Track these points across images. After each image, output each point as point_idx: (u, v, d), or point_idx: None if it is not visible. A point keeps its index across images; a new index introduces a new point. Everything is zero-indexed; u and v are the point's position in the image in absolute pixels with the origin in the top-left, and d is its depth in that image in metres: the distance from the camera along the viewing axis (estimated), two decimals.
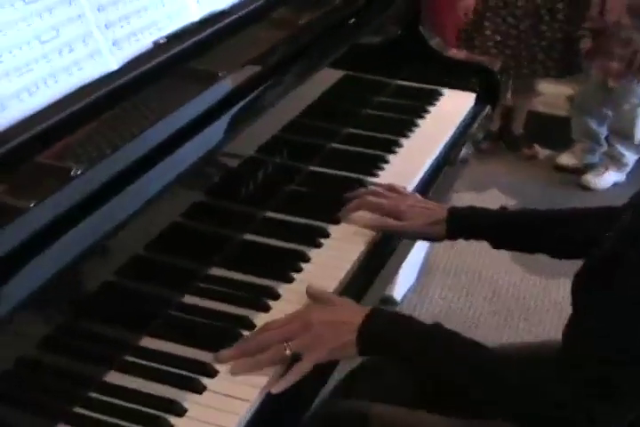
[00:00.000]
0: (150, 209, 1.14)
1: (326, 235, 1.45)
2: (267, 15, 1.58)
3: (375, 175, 1.67)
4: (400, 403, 1.35)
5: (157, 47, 1.33)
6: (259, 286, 1.31)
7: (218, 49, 1.42)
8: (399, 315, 1.20)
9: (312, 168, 1.66)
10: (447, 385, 1.16)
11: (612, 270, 1.05)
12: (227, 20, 1.47)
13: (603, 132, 3.60)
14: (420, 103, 1.95)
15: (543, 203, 3.34)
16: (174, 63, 1.33)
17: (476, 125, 1.96)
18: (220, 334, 1.19)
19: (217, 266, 1.33)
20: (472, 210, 1.45)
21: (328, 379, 1.23)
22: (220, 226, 1.37)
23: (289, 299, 1.28)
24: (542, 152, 3.81)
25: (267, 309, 1.25)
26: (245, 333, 1.20)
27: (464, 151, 1.90)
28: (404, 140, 1.80)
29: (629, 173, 3.61)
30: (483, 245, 1.46)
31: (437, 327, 1.17)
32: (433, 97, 1.99)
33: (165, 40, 1.34)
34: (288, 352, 1.14)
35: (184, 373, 1.13)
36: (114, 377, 1.11)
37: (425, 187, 1.69)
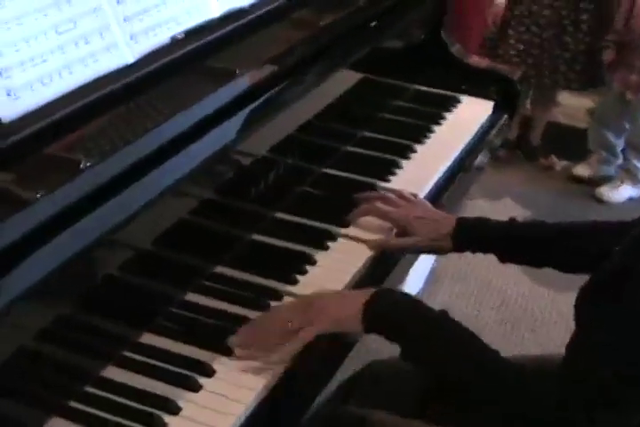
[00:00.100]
0: (158, 205, 1.14)
1: (334, 238, 1.44)
2: (287, 15, 1.57)
3: (387, 180, 1.66)
4: (398, 411, 1.34)
5: (175, 42, 1.32)
6: (262, 286, 1.30)
7: (236, 47, 1.41)
8: (408, 296, 1.19)
9: (324, 170, 1.65)
10: (443, 377, 1.13)
11: (621, 284, 1.03)
12: (246, 18, 1.46)
13: (619, 144, 3.58)
14: (437, 109, 1.94)
15: (557, 213, 3.32)
16: (191, 59, 1.32)
17: (492, 134, 1.94)
18: (221, 334, 1.19)
19: (221, 264, 1.33)
20: (480, 222, 1.43)
21: (326, 383, 1.23)
22: (227, 224, 1.36)
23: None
24: (559, 163, 3.79)
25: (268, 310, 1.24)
26: None
27: (480, 159, 1.89)
28: (418, 146, 1.79)
29: None
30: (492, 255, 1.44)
31: (445, 315, 1.15)
32: (450, 104, 1.98)
33: (183, 36, 1.33)
34: (290, 327, 1.15)
35: (181, 371, 1.12)
36: (110, 372, 1.11)
37: (437, 194, 1.67)
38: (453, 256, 2.85)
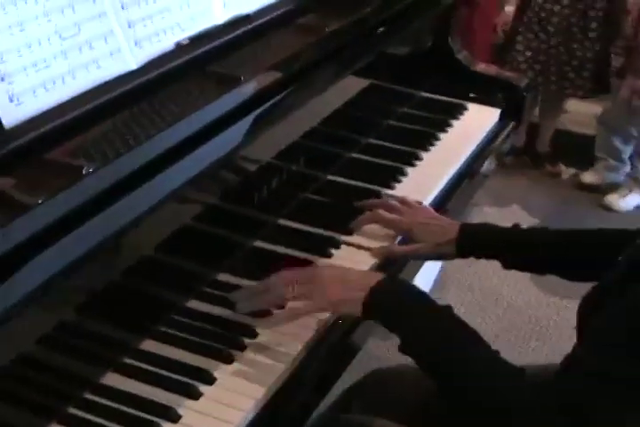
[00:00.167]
0: (161, 211, 1.13)
1: (337, 245, 1.44)
2: (293, 21, 1.57)
3: (392, 187, 1.65)
4: (401, 419, 1.33)
5: (179, 48, 1.32)
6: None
7: (241, 53, 1.41)
8: (414, 287, 1.18)
9: (328, 177, 1.65)
10: (439, 373, 1.11)
11: (622, 294, 1.02)
12: (251, 25, 1.46)
13: (627, 150, 3.57)
14: (444, 117, 1.94)
15: (564, 221, 3.31)
16: (195, 65, 1.32)
17: (498, 141, 1.94)
18: (222, 341, 1.18)
19: (224, 271, 1.32)
20: (483, 228, 1.43)
21: (328, 391, 1.22)
22: (230, 231, 1.36)
23: (295, 307, 1.26)
24: (566, 171, 3.78)
25: None
26: (247, 341, 1.19)
27: (486, 166, 1.88)
28: (424, 154, 1.78)
29: None
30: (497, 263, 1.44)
31: (449, 310, 1.13)
32: (457, 111, 1.97)
33: (188, 41, 1.33)
34: (291, 292, 1.15)
35: (182, 378, 1.12)
36: (110, 379, 1.11)
37: (442, 201, 1.67)
38: (459, 265, 2.89)
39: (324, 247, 1.42)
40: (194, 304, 1.26)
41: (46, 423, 1.03)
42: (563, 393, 1.01)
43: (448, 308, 1.14)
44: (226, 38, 1.39)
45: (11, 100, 1.05)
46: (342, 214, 1.51)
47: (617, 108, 3.46)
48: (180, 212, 1.21)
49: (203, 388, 1.10)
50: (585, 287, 1.21)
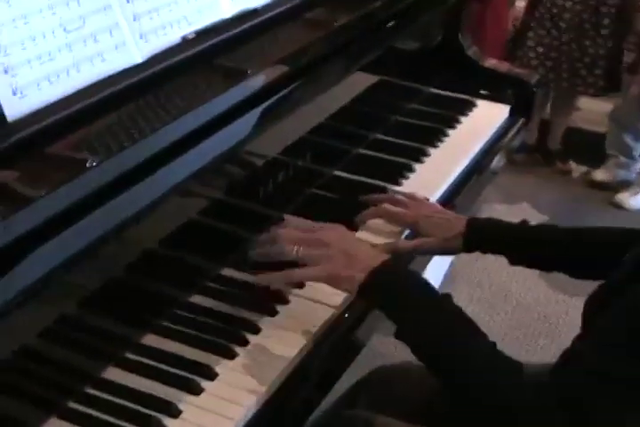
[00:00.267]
0: (165, 205, 1.13)
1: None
2: (300, 15, 1.56)
3: (399, 184, 1.64)
4: (405, 416, 1.32)
5: (186, 42, 1.31)
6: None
7: (248, 47, 1.40)
8: (415, 275, 1.17)
9: (335, 173, 1.64)
10: (433, 360, 1.10)
11: (626, 293, 1.02)
12: (259, 19, 1.45)
13: (637, 148, 3.55)
14: (452, 113, 1.92)
15: (574, 219, 3.29)
16: (202, 59, 1.31)
17: (508, 138, 1.92)
18: (224, 337, 1.18)
19: (228, 266, 1.32)
20: (491, 223, 1.41)
21: (331, 388, 1.22)
22: (234, 225, 1.35)
23: (298, 303, 1.26)
24: (577, 169, 3.76)
25: (273, 313, 1.24)
26: (250, 336, 1.18)
27: (495, 163, 1.87)
28: (432, 150, 1.77)
29: None
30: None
31: (448, 298, 1.12)
32: (466, 107, 1.96)
33: (194, 35, 1.32)
34: (294, 254, 1.16)
35: (183, 373, 1.11)
36: (111, 374, 1.10)
37: (450, 198, 1.66)
38: (468, 260, 2.87)
39: None
40: (197, 299, 1.25)
41: (46, 417, 1.02)
42: (562, 389, 1.00)
43: (447, 296, 1.13)
44: (233, 32, 1.38)
45: (14, 93, 1.04)
46: (348, 211, 1.50)
47: (628, 105, 3.44)
48: (183, 206, 1.21)
49: (204, 383, 1.10)
50: (594, 285, 1.20)
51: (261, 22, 1.45)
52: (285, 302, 1.26)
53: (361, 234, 1.45)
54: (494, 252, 1.40)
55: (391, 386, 1.46)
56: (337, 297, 1.26)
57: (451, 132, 1.86)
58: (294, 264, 1.19)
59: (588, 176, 3.69)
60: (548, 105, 3.74)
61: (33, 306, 0.96)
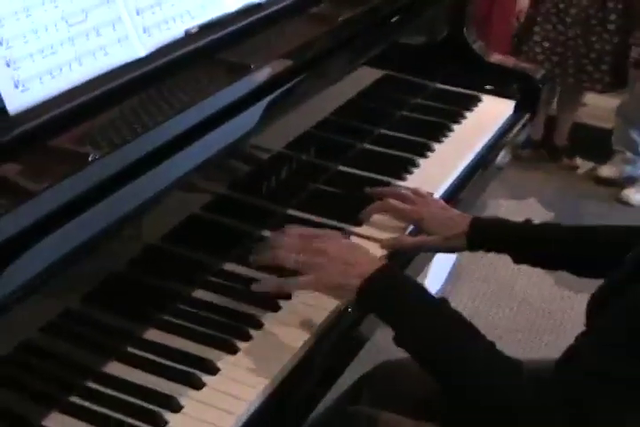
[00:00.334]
0: (167, 199, 1.13)
1: (347, 236, 1.42)
2: (305, 10, 1.55)
3: (403, 179, 1.64)
4: (409, 412, 1.32)
5: (189, 36, 1.31)
6: None
7: (251, 41, 1.40)
8: (410, 280, 1.17)
9: (339, 168, 1.64)
10: (433, 365, 1.10)
11: (626, 293, 1.01)
12: (263, 13, 1.44)
13: None
14: (457, 108, 1.92)
15: (580, 215, 3.30)
16: (205, 53, 1.31)
17: (513, 133, 1.92)
18: (226, 331, 1.17)
19: (230, 261, 1.31)
20: (495, 222, 1.41)
21: (334, 382, 1.21)
22: (237, 220, 1.35)
23: (301, 299, 1.25)
24: (584, 165, 3.75)
25: (276, 308, 1.23)
26: (253, 332, 1.18)
27: (500, 159, 1.86)
28: (436, 145, 1.76)
29: None
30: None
31: (444, 303, 1.12)
32: (471, 102, 1.95)
33: (197, 29, 1.32)
34: (292, 262, 1.16)
35: (185, 368, 1.11)
36: (113, 368, 1.10)
37: (454, 193, 1.65)
38: (474, 256, 2.86)
39: None
40: (199, 294, 1.25)
41: (48, 412, 1.02)
42: (562, 388, 1.00)
43: (444, 301, 1.13)
44: (236, 27, 1.38)
45: (16, 87, 1.04)
46: (352, 205, 1.50)
47: (635, 101, 3.42)
48: (186, 200, 1.20)
49: (205, 378, 1.10)
50: (599, 282, 1.20)
51: (265, 16, 1.44)
52: (288, 297, 1.25)
53: (365, 229, 1.45)
54: (498, 251, 1.40)
55: (395, 381, 1.46)
56: None
57: (455, 127, 1.85)
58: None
59: (594, 172, 3.67)
60: (555, 101, 3.72)
61: (35, 300, 0.96)
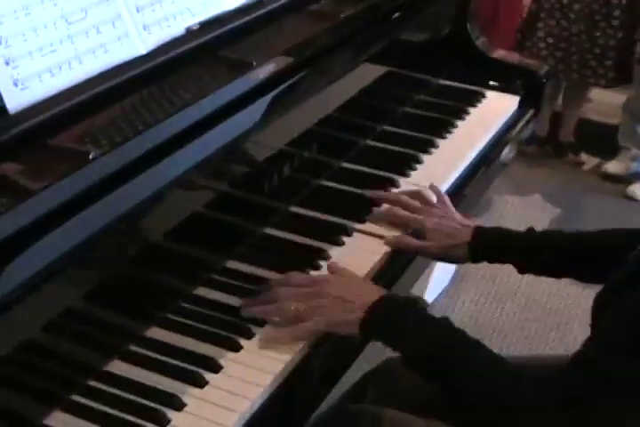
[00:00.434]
0: (169, 197, 1.13)
1: (349, 233, 1.42)
2: (306, 6, 1.55)
3: (407, 175, 1.63)
4: (414, 410, 1.32)
5: (190, 34, 1.30)
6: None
7: (253, 39, 1.39)
8: (409, 307, 1.16)
9: (342, 164, 1.63)
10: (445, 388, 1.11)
11: (628, 293, 1.01)
12: (264, 10, 1.44)
13: None
14: (461, 104, 1.91)
15: (586, 211, 3.29)
16: (206, 51, 1.30)
17: (517, 129, 1.91)
18: (229, 329, 1.17)
19: (233, 259, 1.31)
20: (497, 231, 1.41)
21: (337, 380, 1.21)
22: (240, 217, 1.35)
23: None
24: (589, 161, 3.74)
25: None
26: (255, 329, 1.18)
27: (505, 154, 1.86)
28: (440, 141, 1.76)
29: None
30: None
31: (448, 324, 1.12)
32: (475, 98, 1.94)
33: (198, 27, 1.32)
34: (292, 309, 1.16)
35: (187, 366, 1.10)
36: (115, 367, 1.10)
37: (458, 189, 1.65)
38: None
39: (336, 235, 1.40)
40: (201, 291, 1.24)
41: (50, 410, 1.02)
42: (562, 387, 1.00)
43: (445, 319, 1.13)
44: (237, 24, 1.38)
45: (15, 85, 1.04)
46: (356, 202, 1.49)
47: None
48: (188, 198, 1.20)
49: (208, 376, 1.09)
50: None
51: (266, 13, 1.44)
52: None
53: (368, 226, 1.44)
54: (501, 261, 1.40)
55: (400, 379, 1.45)
56: None
57: (459, 123, 1.84)
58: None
59: (599, 168, 3.66)
60: (560, 97, 3.71)
61: (37, 298, 0.95)
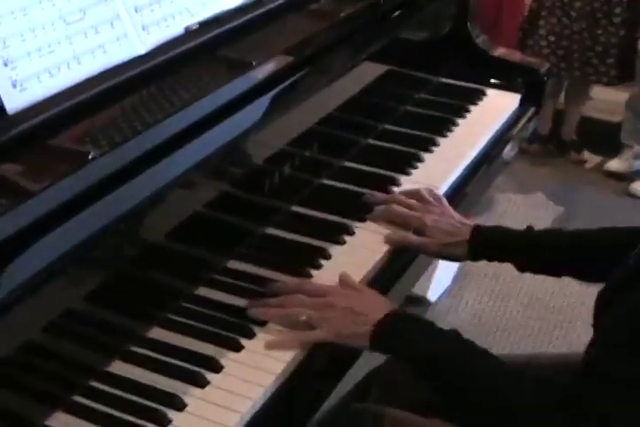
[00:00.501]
0: (169, 197, 1.13)
1: (351, 232, 1.42)
2: (305, 5, 1.55)
3: (408, 174, 1.63)
4: (417, 409, 1.31)
5: (189, 33, 1.30)
6: (274, 281, 1.27)
7: (252, 38, 1.39)
8: (419, 320, 1.18)
9: (344, 163, 1.63)
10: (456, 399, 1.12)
11: (628, 292, 1.00)
12: (263, 9, 1.44)
13: None
14: (462, 102, 1.91)
15: (589, 209, 3.28)
16: (205, 51, 1.30)
17: (518, 127, 1.91)
18: (230, 329, 1.17)
19: (234, 258, 1.31)
20: (496, 230, 1.41)
21: (339, 380, 1.21)
22: (241, 217, 1.34)
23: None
24: (592, 159, 3.73)
25: None
26: (256, 329, 1.18)
27: (507, 152, 1.85)
28: (441, 140, 1.75)
29: None
30: None
31: (457, 336, 1.13)
32: (476, 96, 1.94)
33: (197, 26, 1.31)
34: (303, 318, 1.16)
35: (188, 366, 1.10)
36: (116, 367, 1.10)
37: (459, 188, 1.65)
38: None
39: (337, 234, 1.40)
40: (202, 291, 1.24)
41: (51, 411, 1.02)
42: (562, 387, 1.00)
43: (453, 331, 1.14)
44: (237, 23, 1.37)
45: (14, 86, 1.04)
46: (357, 201, 1.49)
47: None
48: (188, 198, 1.20)
49: (209, 376, 1.09)
50: None
51: (266, 12, 1.44)
52: None
53: (369, 225, 1.44)
54: (500, 259, 1.40)
55: (403, 378, 1.45)
56: None
57: (460, 121, 1.84)
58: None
59: (602, 166, 3.66)
60: (562, 95, 3.70)
61: (37, 299, 0.95)
